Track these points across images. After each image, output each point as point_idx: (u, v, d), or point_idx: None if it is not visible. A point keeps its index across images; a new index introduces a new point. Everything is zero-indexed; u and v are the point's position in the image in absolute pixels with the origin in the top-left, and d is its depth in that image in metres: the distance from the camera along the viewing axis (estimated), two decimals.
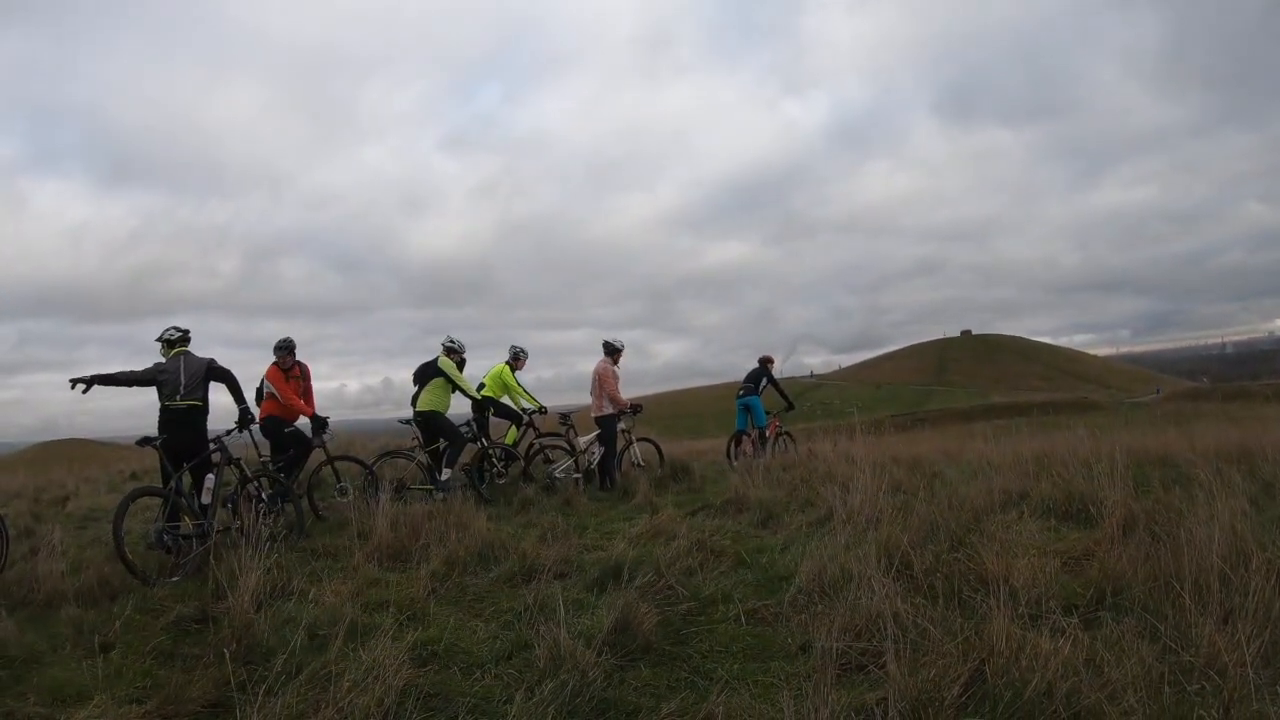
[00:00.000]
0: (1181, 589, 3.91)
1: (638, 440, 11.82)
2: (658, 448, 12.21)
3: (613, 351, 11.15)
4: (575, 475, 10.42)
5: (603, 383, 10.88)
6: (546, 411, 11.50)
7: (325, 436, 9.34)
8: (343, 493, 9.25)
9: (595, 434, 10.93)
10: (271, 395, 9.20)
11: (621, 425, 11.15)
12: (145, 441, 7.01)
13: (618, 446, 11.01)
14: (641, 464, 11.57)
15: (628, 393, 11.28)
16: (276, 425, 9.20)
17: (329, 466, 9.44)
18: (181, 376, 7.22)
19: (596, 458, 10.80)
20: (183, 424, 7.16)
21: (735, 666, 3.99)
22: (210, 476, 7.18)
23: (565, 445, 11.02)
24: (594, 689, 3.65)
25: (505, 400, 11.34)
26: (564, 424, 11.21)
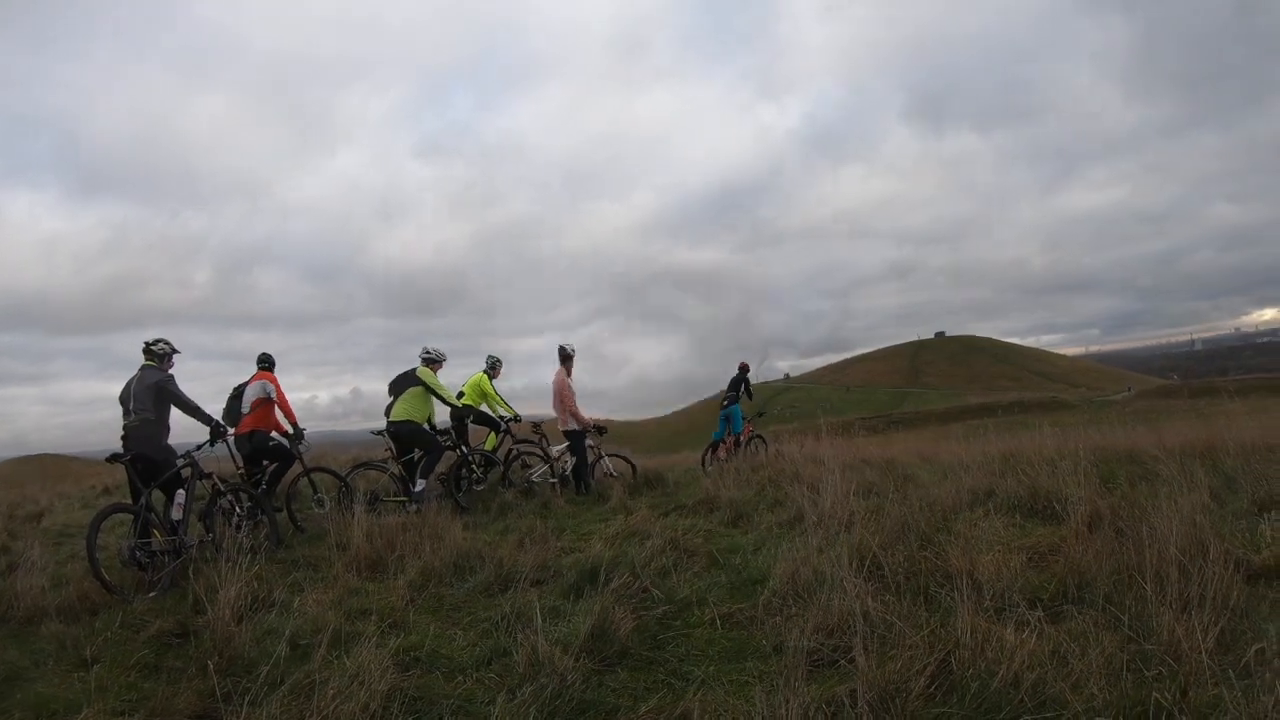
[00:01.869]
0: (1143, 581, 4.01)
1: (609, 455, 11.85)
2: (630, 462, 12.14)
3: (566, 358, 11.00)
4: (551, 480, 10.50)
5: (562, 398, 10.82)
6: (521, 420, 11.55)
7: (302, 448, 9.30)
8: (320, 504, 9.25)
9: (565, 445, 11.00)
10: (264, 402, 9.03)
11: (589, 442, 11.14)
12: (114, 458, 6.97)
13: (589, 459, 11.01)
14: (615, 474, 11.61)
15: (606, 407, 11.29)
16: (263, 438, 9.05)
17: (306, 478, 9.43)
18: (131, 394, 7.18)
19: (570, 465, 10.86)
20: (137, 441, 7.07)
21: (711, 668, 4.04)
22: (180, 492, 7.11)
23: (539, 452, 11.10)
24: (573, 691, 3.72)
25: (484, 408, 11.40)
26: (536, 433, 11.29)
